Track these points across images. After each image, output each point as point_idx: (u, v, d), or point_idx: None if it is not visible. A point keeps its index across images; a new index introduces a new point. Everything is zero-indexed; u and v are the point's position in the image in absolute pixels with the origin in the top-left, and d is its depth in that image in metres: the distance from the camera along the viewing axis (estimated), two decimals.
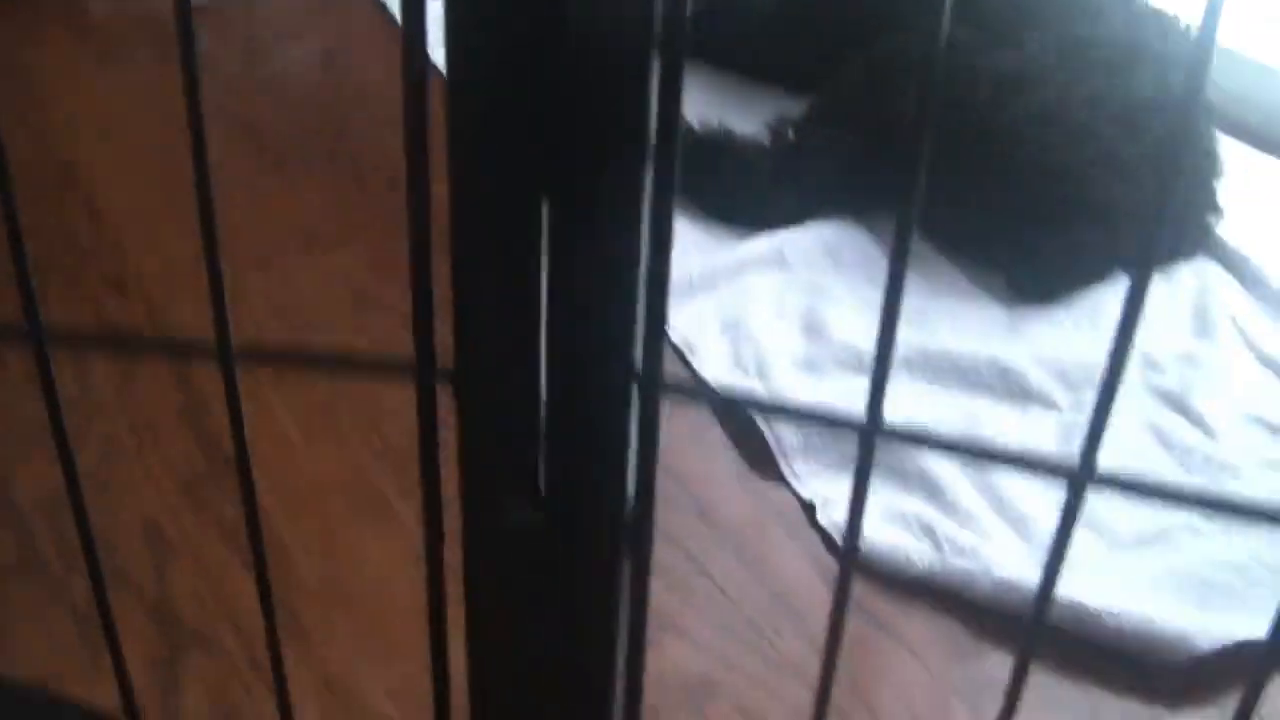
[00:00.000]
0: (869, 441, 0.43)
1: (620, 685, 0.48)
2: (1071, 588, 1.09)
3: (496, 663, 0.46)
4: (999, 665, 1.07)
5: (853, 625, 1.10)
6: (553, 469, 0.42)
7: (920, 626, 1.10)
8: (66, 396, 1.21)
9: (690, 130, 1.65)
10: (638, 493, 0.45)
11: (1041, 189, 1.47)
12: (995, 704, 1.03)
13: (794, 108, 1.72)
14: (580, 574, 0.44)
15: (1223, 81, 1.70)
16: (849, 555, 0.46)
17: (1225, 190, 1.58)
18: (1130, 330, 0.39)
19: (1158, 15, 1.59)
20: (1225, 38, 1.93)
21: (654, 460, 0.42)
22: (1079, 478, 0.39)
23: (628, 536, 0.49)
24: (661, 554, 1.12)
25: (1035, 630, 0.47)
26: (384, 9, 2.20)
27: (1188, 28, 1.60)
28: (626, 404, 0.41)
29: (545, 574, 0.44)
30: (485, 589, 0.44)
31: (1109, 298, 1.46)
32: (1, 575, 1.08)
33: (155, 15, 2.16)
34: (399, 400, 1.28)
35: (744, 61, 1.94)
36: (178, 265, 1.46)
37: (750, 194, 1.58)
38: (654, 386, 0.40)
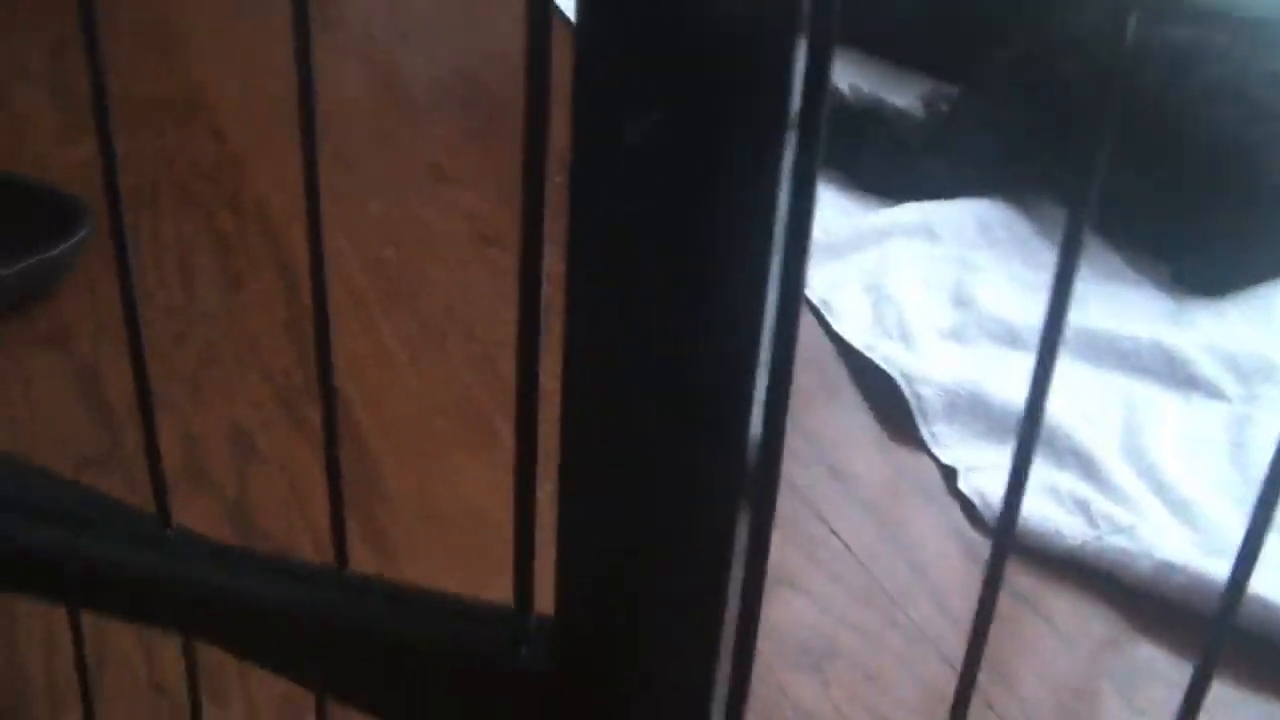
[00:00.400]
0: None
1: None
2: (1255, 583, 0.96)
3: (596, 388, 0.38)
4: (1155, 654, 0.96)
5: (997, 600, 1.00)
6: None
7: (1069, 606, 0.99)
8: (172, 303, 1.16)
9: (842, 97, 1.56)
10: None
11: (1214, 171, 1.35)
12: (1151, 695, 0.92)
13: (948, 88, 1.63)
14: (717, 199, 0.35)
15: None
16: (1003, 537, 0.37)
17: None
18: None
19: None
20: None
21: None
22: None
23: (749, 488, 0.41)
24: (785, 507, 1.02)
25: (1221, 629, 0.38)
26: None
27: None
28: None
29: (668, 213, 0.35)
30: (591, 214, 0.36)
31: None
32: (88, 466, 1.02)
33: None
34: (511, 333, 1.21)
35: (896, 48, 1.86)
36: (295, 190, 1.40)
37: (901, 164, 1.48)
38: None
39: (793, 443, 1.10)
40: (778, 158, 0.34)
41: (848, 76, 1.67)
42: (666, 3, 0.32)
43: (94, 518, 0.44)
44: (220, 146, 1.49)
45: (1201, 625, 0.97)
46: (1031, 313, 1.28)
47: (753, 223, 0.35)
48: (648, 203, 0.35)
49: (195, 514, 0.97)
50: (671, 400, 0.38)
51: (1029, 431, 0.37)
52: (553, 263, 0.42)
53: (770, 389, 0.38)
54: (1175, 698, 0.90)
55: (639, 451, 0.39)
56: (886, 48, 1.82)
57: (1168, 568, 0.99)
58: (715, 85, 0.33)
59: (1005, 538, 0.39)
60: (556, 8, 0.38)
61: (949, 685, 0.92)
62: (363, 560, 0.94)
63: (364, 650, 0.44)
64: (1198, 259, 1.37)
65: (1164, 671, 0.94)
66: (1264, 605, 0.96)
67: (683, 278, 0.35)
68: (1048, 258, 1.39)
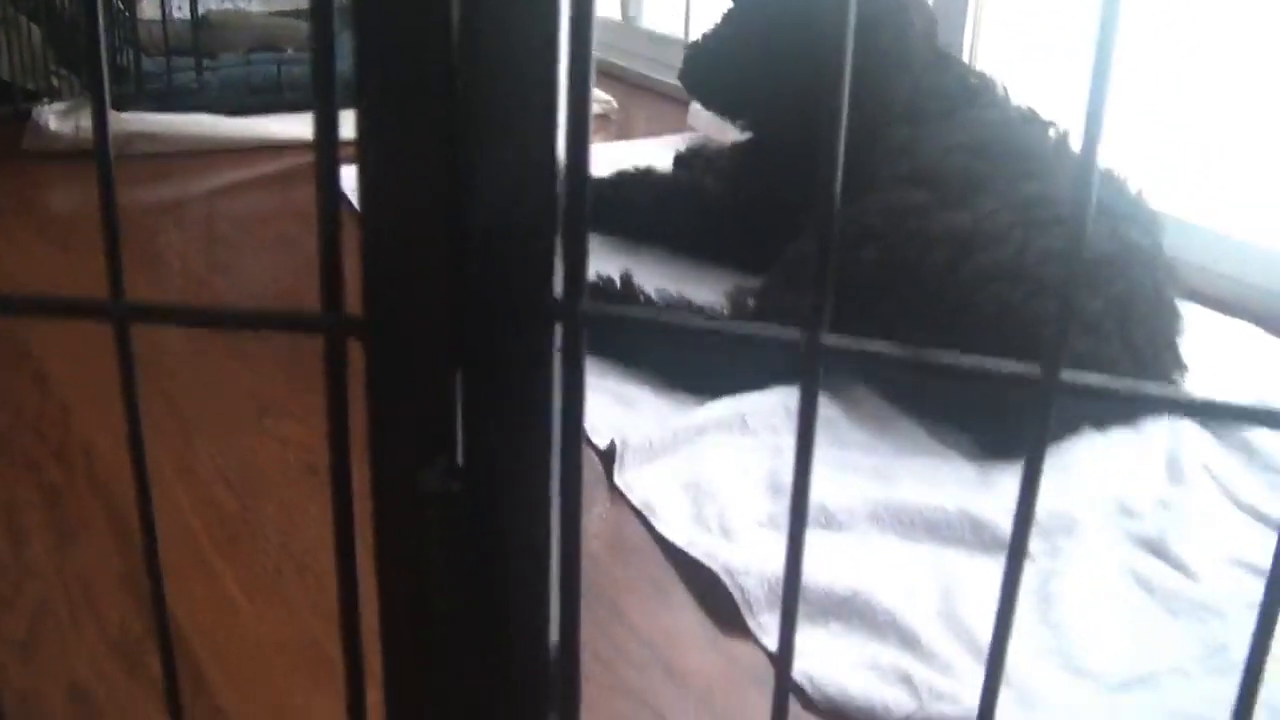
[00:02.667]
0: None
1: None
2: None
3: (410, 670, 0.42)
4: None
5: None
6: (471, 430, 0.38)
7: None
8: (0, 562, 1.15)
9: (648, 299, 1.64)
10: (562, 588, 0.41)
11: (1004, 346, 1.45)
12: None
13: (753, 282, 1.71)
14: (500, 542, 0.40)
15: (1183, 251, 1.72)
16: (783, 679, 0.42)
17: (1191, 349, 1.57)
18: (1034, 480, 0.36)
19: (1104, 174, 1.61)
20: (1184, 210, 1.96)
21: (581, 408, 0.39)
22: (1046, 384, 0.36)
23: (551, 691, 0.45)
24: (627, 712, 1.06)
25: None
26: (345, 199, 2.21)
27: (1128, 182, 1.62)
28: (548, 337, 0.37)
29: (460, 541, 0.40)
30: (397, 555, 0.40)
31: (1079, 450, 1.43)
32: None
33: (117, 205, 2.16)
34: None
35: (699, 244, 1.96)
36: (123, 436, 1.42)
37: (710, 362, 1.56)
38: (574, 317, 0.37)
39: (627, 647, 1.15)
40: (548, 364, 0.38)
41: (655, 279, 1.76)
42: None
43: None
44: (44, 394, 1.51)
45: None
46: (843, 494, 1.35)
47: (532, 404, 0.39)
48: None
49: None
50: (477, 619, 0.42)
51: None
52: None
53: (563, 609, 0.42)
54: None
55: (453, 677, 0.42)
56: (691, 249, 1.92)
57: None
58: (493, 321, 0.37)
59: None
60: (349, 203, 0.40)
61: None
62: None
63: None
64: (996, 426, 1.46)
65: None
66: None
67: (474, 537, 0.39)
68: (856, 437, 1.47)
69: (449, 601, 0.44)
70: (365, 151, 0.40)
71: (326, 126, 0.36)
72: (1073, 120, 1.74)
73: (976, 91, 1.80)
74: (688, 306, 1.64)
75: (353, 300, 0.42)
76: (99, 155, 0.39)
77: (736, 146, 2.05)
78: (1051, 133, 1.70)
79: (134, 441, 0.43)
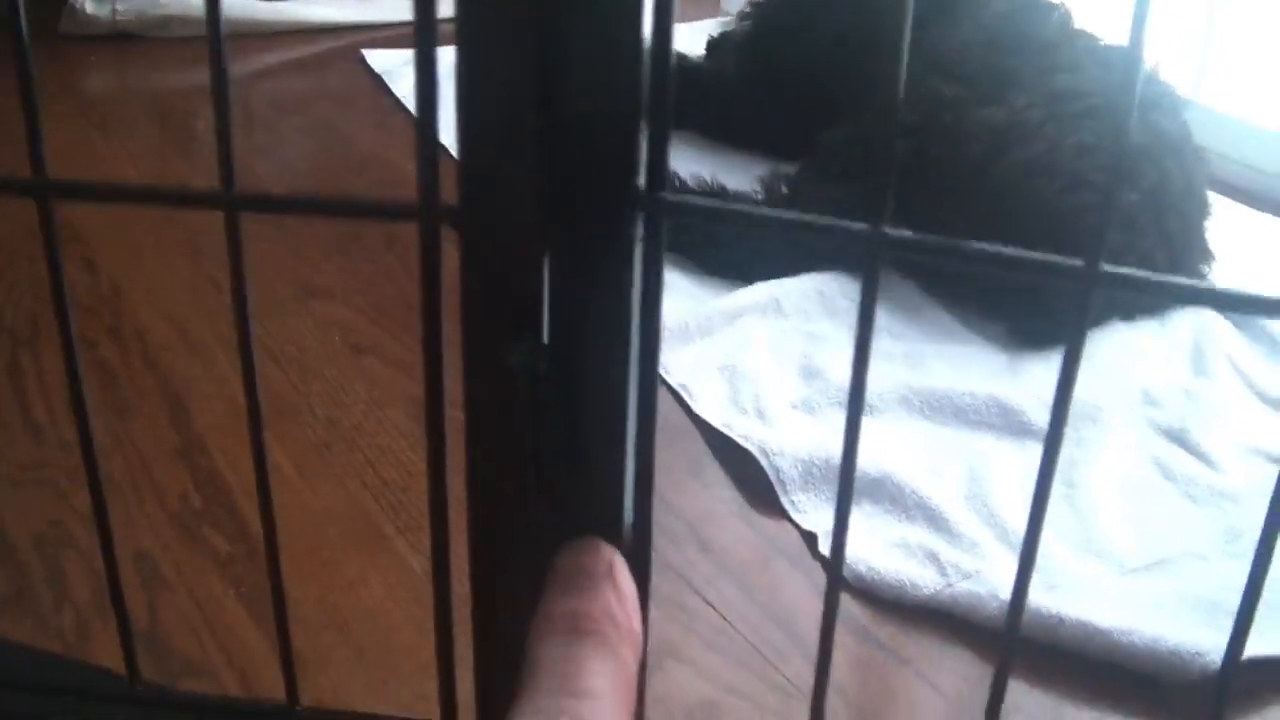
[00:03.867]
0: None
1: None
2: (1080, 609, 1.07)
3: (497, 538, 0.45)
4: (1015, 690, 1.05)
5: (861, 651, 1.08)
6: (557, 311, 0.42)
7: (931, 652, 1.08)
8: (61, 439, 1.21)
9: (683, 184, 1.66)
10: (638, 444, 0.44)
11: (1040, 239, 1.46)
12: None
13: (786, 169, 1.73)
14: (587, 418, 0.43)
15: (1210, 141, 1.73)
16: (836, 562, 0.45)
17: (1216, 240, 1.59)
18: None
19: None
20: (1210, 99, 1.96)
21: (659, 293, 0.42)
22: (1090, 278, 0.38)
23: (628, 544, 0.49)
24: (662, 584, 1.11)
25: (1012, 632, 0.46)
26: (380, 82, 2.23)
27: (1154, 72, 1.63)
28: (631, 225, 0.40)
29: (551, 421, 0.43)
30: (488, 439, 0.43)
31: (1106, 341, 1.46)
32: None
33: (151, 89, 2.18)
34: (391, 438, 1.28)
35: (733, 131, 1.97)
36: (173, 317, 1.46)
37: (744, 247, 1.58)
38: (657, 207, 0.40)
39: (666, 522, 1.19)
40: (630, 253, 0.41)
41: (687, 163, 1.78)
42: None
43: (63, 684, 0.51)
44: (94, 277, 1.54)
45: (1052, 656, 1.07)
46: (873, 378, 1.38)
47: (613, 289, 0.42)
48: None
49: (112, 647, 1.03)
50: (557, 504, 0.45)
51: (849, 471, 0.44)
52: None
53: (637, 477, 0.45)
54: None
55: (534, 553, 0.46)
56: (725, 136, 1.94)
57: None
58: (570, 171, 0.40)
59: (837, 575, 0.46)
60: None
61: None
62: (275, 672, 1.01)
63: None
64: (1028, 316, 1.49)
65: (1024, 704, 1.03)
66: (1083, 626, 1.06)
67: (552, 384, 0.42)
68: (887, 324, 1.50)
69: (533, 470, 0.47)
70: (460, 44, 0.42)
71: (426, 23, 0.38)
72: None
73: None
74: (721, 192, 1.66)
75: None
76: (212, 50, 0.41)
77: (757, 30, 2.05)
78: (1056, 16, 1.71)
79: (243, 347, 0.46)
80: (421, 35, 0.40)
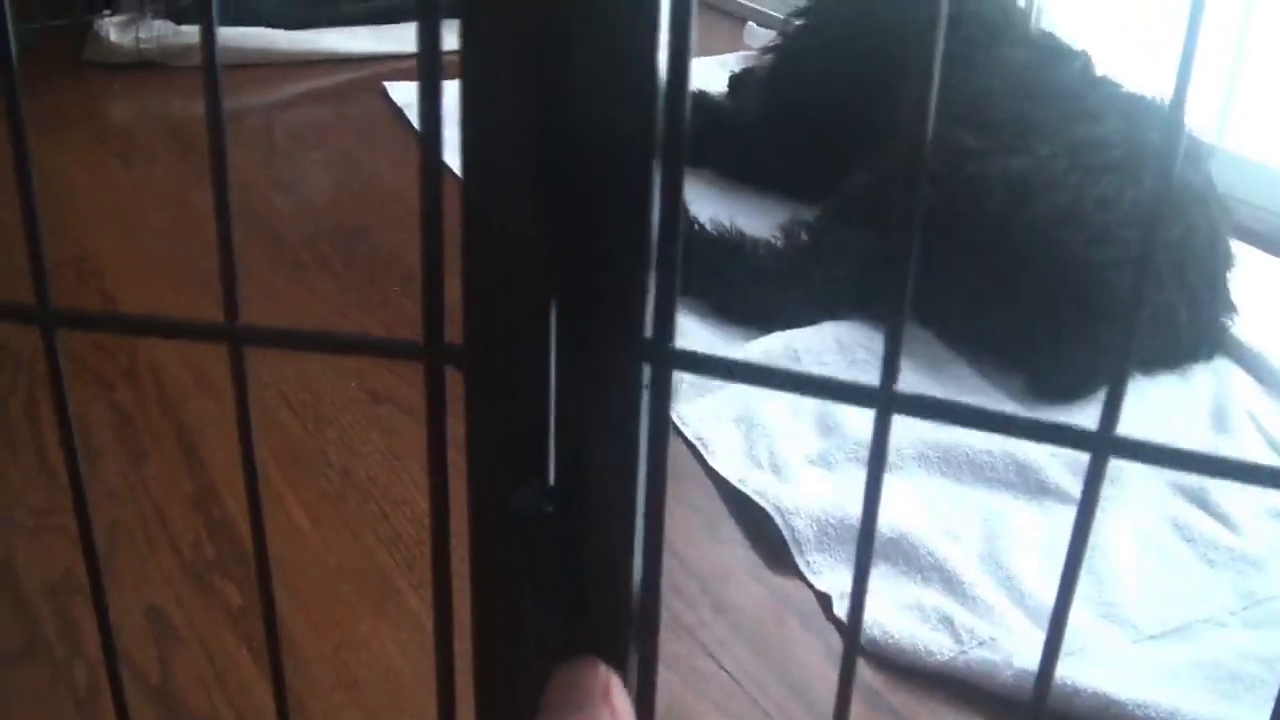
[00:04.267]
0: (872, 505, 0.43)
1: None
2: (1095, 679, 1.06)
3: (502, 675, 0.45)
4: None
5: (871, 717, 1.08)
6: (562, 455, 0.41)
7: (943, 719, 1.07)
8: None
9: (702, 229, 1.65)
10: (647, 506, 0.44)
11: (1061, 290, 1.46)
12: None
13: (806, 213, 1.73)
14: (591, 561, 0.43)
15: (1235, 187, 1.72)
16: (854, 629, 0.44)
17: (1239, 291, 1.58)
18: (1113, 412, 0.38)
19: (1153, 109, 1.60)
20: (1235, 144, 1.95)
21: (665, 443, 0.41)
22: (1101, 445, 0.38)
23: (635, 623, 0.48)
24: (676, 646, 1.10)
25: (1038, 710, 0.45)
26: (401, 115, 2.23)
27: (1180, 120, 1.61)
28: (638, 376, 0.40)
29: (554, 562, 0.43)
30: (491, 578, 0.43)
31: (1131, 398, 1.45)
32: (5, 660, 1.06)
33: (173, 117, 2.19)
34: (406, 490, 1.28)
35: (753, 172, 1.97)
36: (190, 359, 1.46)
37: (763, 294, 1.58)
38: (665, 358, 0.39)
39: (679, 580, 1.18)
40: (636, 401, 0.41)
41: (708, 205, 1.77)
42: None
43: None
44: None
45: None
46: (892, 434, 1.37)
47: (620, 436, 0.41)
48: None
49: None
50: (561, 632, 0.45)
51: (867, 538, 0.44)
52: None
53: (646, 542, 0.44)
54: None
55: (538, 677, 0.45)
56: (744, 175, 1.94)
57: (1027, 675, 1.08)
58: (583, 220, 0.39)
59: (854, 642, 0.46)
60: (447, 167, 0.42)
61: None
62: None
63: None
64: (1048, 369, 1.48)
65: None
66: (1099, 697, 1.05)
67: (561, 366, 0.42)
68: (906, 376, 1.48)
69: (538, 612, 0.47)
70: (468, 178, 0.42)
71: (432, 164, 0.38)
72: (1097, 43, 1.74)
73: (1013, 24, 1.80)
74: (740, 238, 1.66)
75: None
76: (208, 97, 0.41)
77: (780, 64, 2.05)
78: (1078, 64, 1.70)
79: (248, 471, 0.46)
80: (429, 183, 0.39)
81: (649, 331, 0.40)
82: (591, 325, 0.39)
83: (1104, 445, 0.38)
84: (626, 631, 0.45)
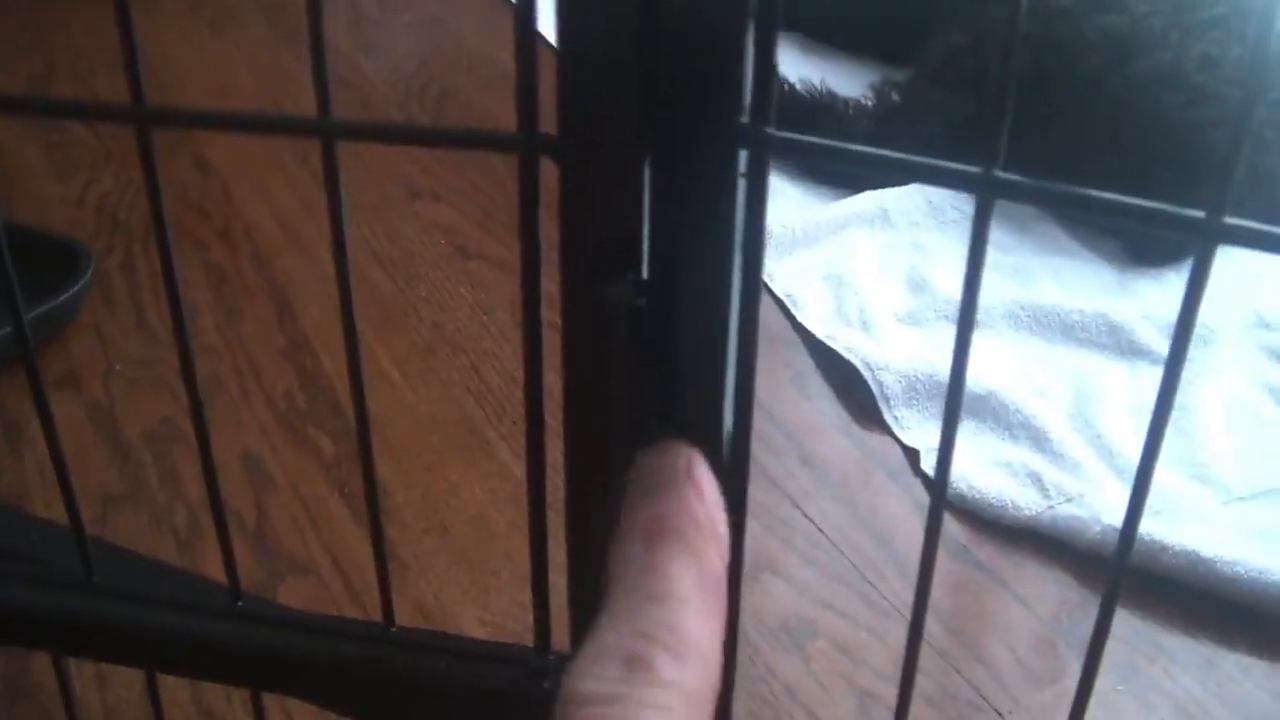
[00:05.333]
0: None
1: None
2: (1184, 537, 1.06)
3: (593, 466, 0.45)
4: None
5: (959, 571, 1.08)
6: (656, 248, 0.41)
7: (1029, 575, 1.07)
8: (173, 338, 1.23)
9: (792, 89, 1.63)
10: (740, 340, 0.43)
11: (1160, 152, 1.43)
12: (1110, 654, 1.01)
13: (898, 75, 1.70)
14: (684, 353, 0.43)
15: None
16: (941, 482, 0.44)
17: None
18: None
19: None
20: None
21: (762, 234, 0.41)
22: (1212, 232, 0.37)
23: (725, 473, 0.48)
24: (762, 496, 1.11)
25: (1121, 561, 0.45)
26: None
27: None
28: (734, 162, 0.40)
29: (647, 357, 0.43)
30: (583, 374, 0.43)
31: (1217, 262, 1.42)
32: (111, 503, 1.09)
33: None
34: (496, 342, 1.29)
35: (844, 34, 1.93)
36: (282, 217, 1.48)
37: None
38: (761, 143, 0.39)
39: (767, 434, 1.19)
40: (733, 158, 0.40)
41: (797, 69, 1.75)
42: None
43: (167, 595, 0.52)
44: (206, 177, 1.56)
45: (1152, 583, 1.05)
46: (982, 293, 1.36)
47: (715, 226, 0.41)
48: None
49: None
50: (655, 410, 0.45)
51: (956, 395, 0.44)
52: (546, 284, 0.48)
53: (738, 387, 0.45)
54: (1133, 655, 0.99)
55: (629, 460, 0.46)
56: (834, 38, 1.90)
57: (1114, 532, 1.07)
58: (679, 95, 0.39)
59: (941, 494, 0.46)
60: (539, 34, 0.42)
61: (920, 653, 1.01)
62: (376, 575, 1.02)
63: (410, 693, 0.52)
64: (1145, 234, 1.45)
65: (1121, 631, 1.02)
66: (1187, 555, 1.04)
67: (656, 289, 0.42)
68: (997, 237, 1.47)
69: (631, 403, 0.47)
70: None
71: None
72: None
73: None
74: (831, 99, 1.64)
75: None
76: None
77: None
78: None
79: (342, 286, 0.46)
80: None
81: (745, 117, 0.39)
82: (687, 111, 0.39)
83: (1214, 232, 0.37)
84: (719, 431, 0.45)
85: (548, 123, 0.41)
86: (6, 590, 0.54)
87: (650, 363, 0.45)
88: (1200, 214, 0.38)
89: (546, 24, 0.36)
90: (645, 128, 0.40)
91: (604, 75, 0.40)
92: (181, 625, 0.52)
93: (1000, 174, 0.41)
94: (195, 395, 0.50)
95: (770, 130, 0.41)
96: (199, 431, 0.52)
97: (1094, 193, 0.39)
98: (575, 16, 0.40)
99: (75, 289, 1.26)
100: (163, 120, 0.44)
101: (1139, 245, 1.45)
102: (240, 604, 0.52)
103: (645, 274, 0.44)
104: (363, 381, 0.50)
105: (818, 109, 1.60)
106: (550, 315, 0.43)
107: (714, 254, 0.43)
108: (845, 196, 1.52)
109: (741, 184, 0.43)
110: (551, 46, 0.39)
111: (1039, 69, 1.48)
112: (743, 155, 0.42)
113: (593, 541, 0.50)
